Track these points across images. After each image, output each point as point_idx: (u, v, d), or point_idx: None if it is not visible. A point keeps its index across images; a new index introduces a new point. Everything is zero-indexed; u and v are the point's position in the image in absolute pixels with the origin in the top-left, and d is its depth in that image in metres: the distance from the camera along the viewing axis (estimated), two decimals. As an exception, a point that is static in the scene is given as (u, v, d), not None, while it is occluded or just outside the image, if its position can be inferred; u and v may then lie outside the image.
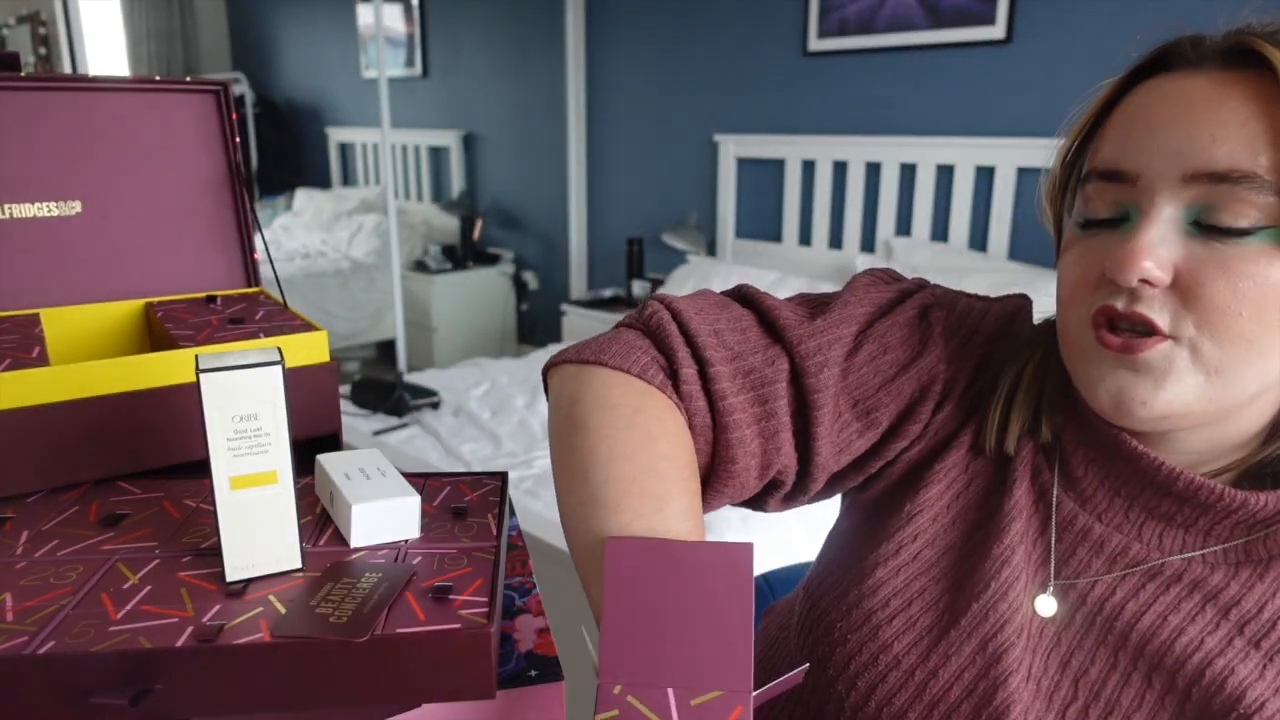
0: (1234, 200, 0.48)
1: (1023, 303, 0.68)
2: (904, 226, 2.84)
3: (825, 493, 0.70)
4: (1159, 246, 0.50)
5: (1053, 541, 0.60)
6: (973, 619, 0.58)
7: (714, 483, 0.61)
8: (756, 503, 0.69)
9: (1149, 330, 0.51)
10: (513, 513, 0.72)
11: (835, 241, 3.01)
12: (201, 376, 0.51)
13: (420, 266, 4.33)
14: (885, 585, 0.61)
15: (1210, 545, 0.55)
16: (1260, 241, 0.48)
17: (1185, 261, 0.50)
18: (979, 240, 2.66)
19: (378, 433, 2.31)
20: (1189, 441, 0.56)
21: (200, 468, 0.69)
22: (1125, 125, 0.53)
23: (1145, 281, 0.50)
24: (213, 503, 0.53)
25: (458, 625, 0.51)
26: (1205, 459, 0.56)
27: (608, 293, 3.76)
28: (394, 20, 4.71)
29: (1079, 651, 0.56)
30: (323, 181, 5.54)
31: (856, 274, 0.71)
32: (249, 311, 0.82)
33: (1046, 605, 0.58)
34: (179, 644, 0.48)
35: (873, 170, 2.86)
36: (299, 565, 0.57)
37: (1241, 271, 0.48)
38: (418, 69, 4.68)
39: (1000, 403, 0.63)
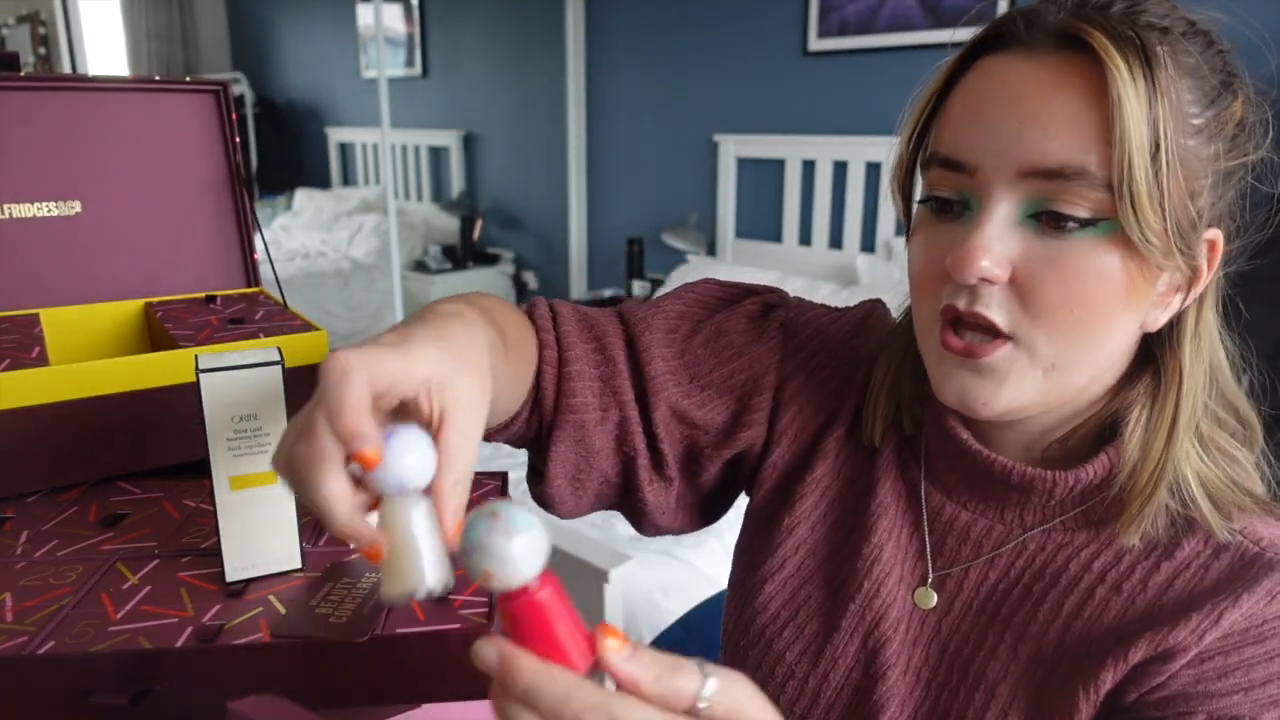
0: (1066, 195, 0.48)
1: (873, 306, 0.71)
2: (904, 226, 2.84)
3: (689, 487, 0.70)
4: (996, 243, 0.50)
5: (926, 534, 0.62)
6: (851, 620, 0.61)
7: (557, 419, 0.63)
8: (629, 489, 0.67)
9: (989, 328, 0.51)
10: (512, 513, 0.72)
11: (835, 241, 3.01)
12: (201, 376, 0.51)
13: (420, 266, 4.33)
14: (774, 599, 0.64)
15: (1068, 512, 0.57)
16: (1092, 235, 0.48)
17: (1022, 258, 0.50)
18: (979, 240, 2.66)
19: (378, 433, 2.31)
20: (1035, 421, 0.57)
21: (200, 468, 0.69)
22: (962, 110, 0.52)
23: (984, 279, 0.50)
24: (212, 503, 0.53)
25: (457, 625, 0.51)
26: (1052, 431, 0.57)
27: (608, 293, 3.76)
28: (394, 20, 4.70)
29: (957, 636, 0.58)
30: (322, 181, 5.53)
31: None
32: (249, 311, 0.82)
33: (926, 597, 0.60)
34: (179, 644, 0.48)
35: (873, 170, 2.86)
36: (299, 565, 0.57)
37: (1074, 268, 0.49)
38: (417, 69, 4.67)
39: (870, 397, 0.65)
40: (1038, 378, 0.52)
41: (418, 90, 4.72)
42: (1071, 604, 0.55)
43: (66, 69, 3.02)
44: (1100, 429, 0.56)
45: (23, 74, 0.79)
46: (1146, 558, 0.54)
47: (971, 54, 0.53)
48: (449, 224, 4.58)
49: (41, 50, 4.96)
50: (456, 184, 4.59)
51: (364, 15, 4.84)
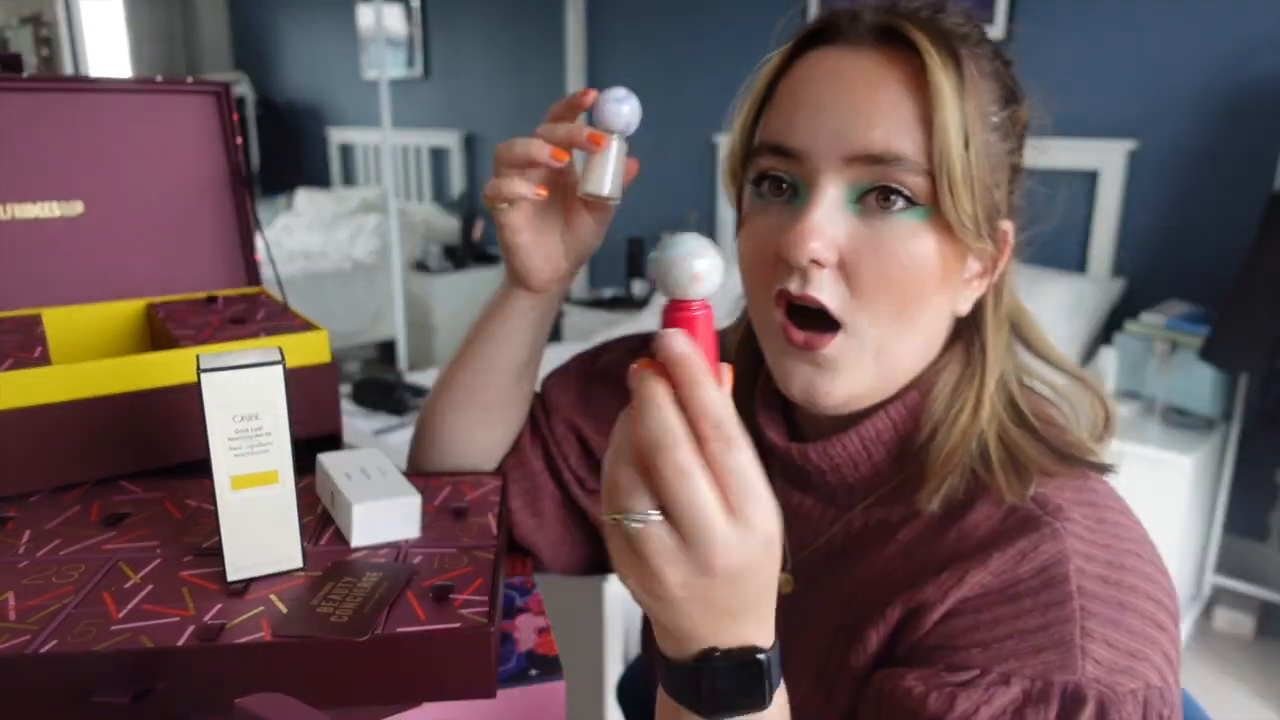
0: (888, 180, 0.51)
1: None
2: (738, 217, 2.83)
3: None
4: (826, 226, 0.51)
5: (780, 524, 0.62)
6: None
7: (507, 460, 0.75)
8: (573, 508, 0.75)
9: (820, 313, 0.53)
10: (513, 512, 0.72)
11: (835, 242, 3.01)
12: (202, 376, 0.51)
13: (421, 266, 4.33)
14: None
15: (883, 486, 0.58)
16: (911, 219, 0.51)
17: (848, 241, 0.52)
18: (979, 240, 2.66)
19: (378, 432, 2.31)
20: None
21: (201, 467, 0.69)
22: (791, 99, 0.54)
23: (815, 262, 0.52)
24: (214, 502, 0.54)
25: (458, 625, 0.51)
26: (867, 402, 0.58)
27: (608, 293, 3.76)
28: (394, 21, 4.70)
29: (802, 618, 0.60)
30: (324, 182, 5.53)
31: None
32: (250, 311, 0.82)
33: (786, 584, 0.62)
34: (180, 643, 0.49)
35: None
36: (300, 565, 0.57)
37: (893, 250, 0.51)
38: (418, 70, 4.67)
39: None
40: (869, 364, 0.54)
41: (418, 91, 4.72)
42: (873, 573, 0.56)
43: (69, 70, 3.02)
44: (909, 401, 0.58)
45: (25, 75, 0.80)
46: (942, 522, 0.55)
47: (797, 48, 0.56)
48: (449, 224, 4.58)
49: (44, 52, 4.97)
50: (457, 184, 4.59)
51: (365, 16, 4.84)
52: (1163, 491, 1.99)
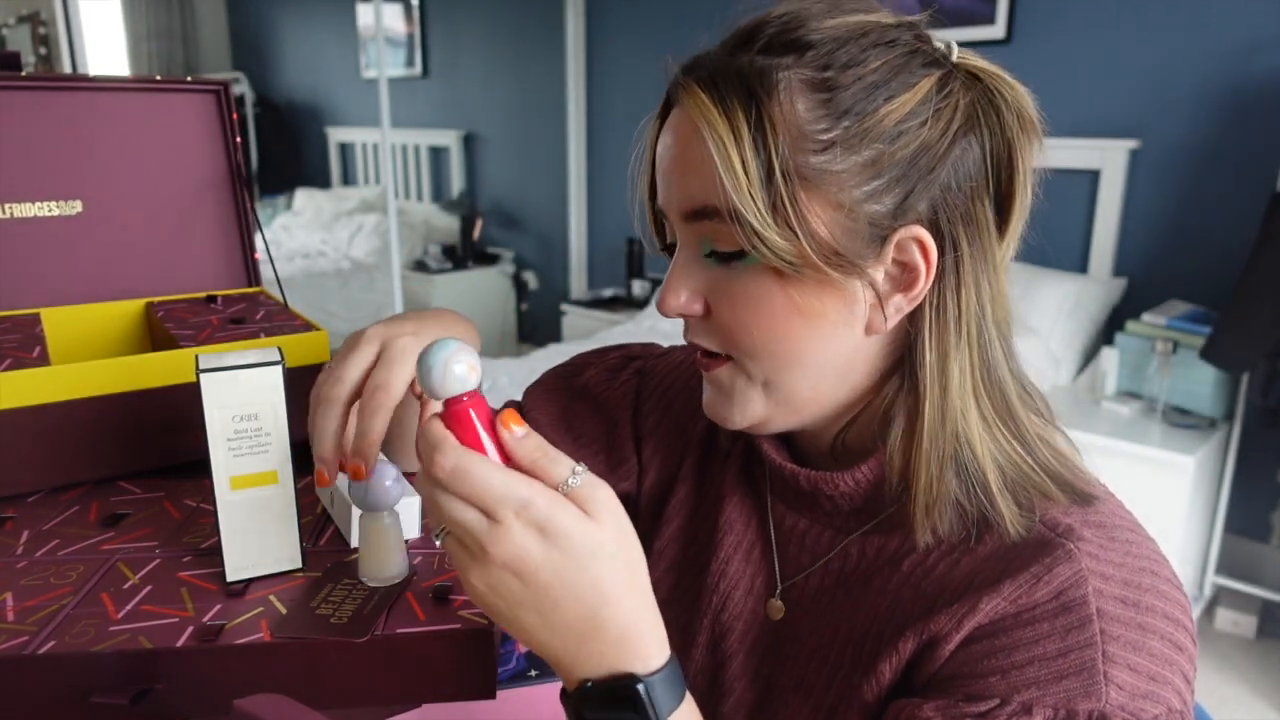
0: (715, 231, 0.51)
1: None
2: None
3: None
4: (684, 282, 0.54)
5: (774, 546, 0.62)
6: (705, 634, 0.63)
7: None
8: None
9: (709, 352, 0.55)
10: (513, 513, 0.72)
11: (836, 241, 3.01)
12: (202, 376, 0.51)
13: (420, 266, 4.33)
14: None
15: (879, 515, 0.57)
16: (748, 264, 0.51)
17: (709, 290, 0.53)
18: (979, 240, 2.66)
19: (378, 432, 2.31)
20: (808, 427, 0.58)
21: (201, 467, 0.69)
22: (656, 163, 0.55)
23: (682, 314, 0.54)
24: (213, 503, 0.53)
25: (458, 625, 0.51)
26: (827, 431, 0.58)
27: (608, 293, 3.77)
28: (394, 20, 4.70)
29: (795, 643, 0.59)
30: (323, 181, 5.53)
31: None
32: (249, 311, 0.82)
33: (776, 609, 0.61)
34: (179, 644, 0.49)
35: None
36: (299, 565, 0.57)
37: (739, 295, 0.52)
38: (418, 69, 4.67)
39: None
40: (759, 394, 0.54)
41: (418, 90, 4.72)
42: (881, 605, 0.55)
43: (67, 69, 3.02)
44: (881, 421, 0.55)
45: (24, 74, 0.79)
46: (950, 554, 0.53)
47: (664, 110, 0.56)
48: (449, 224, 4.58)
49: (42, 50, 4.96)
50: (456, 184, 4.59)
51: (364, 15, 4.84)
52: (1164, 492, 1.99)
